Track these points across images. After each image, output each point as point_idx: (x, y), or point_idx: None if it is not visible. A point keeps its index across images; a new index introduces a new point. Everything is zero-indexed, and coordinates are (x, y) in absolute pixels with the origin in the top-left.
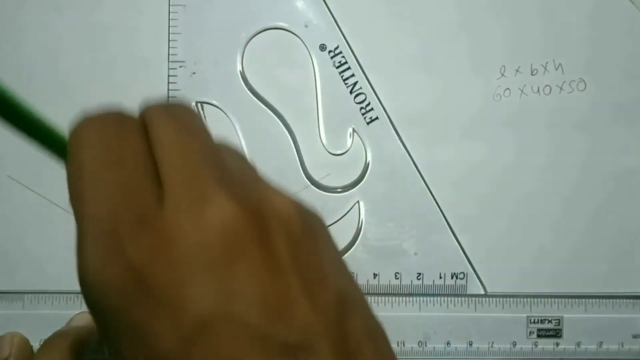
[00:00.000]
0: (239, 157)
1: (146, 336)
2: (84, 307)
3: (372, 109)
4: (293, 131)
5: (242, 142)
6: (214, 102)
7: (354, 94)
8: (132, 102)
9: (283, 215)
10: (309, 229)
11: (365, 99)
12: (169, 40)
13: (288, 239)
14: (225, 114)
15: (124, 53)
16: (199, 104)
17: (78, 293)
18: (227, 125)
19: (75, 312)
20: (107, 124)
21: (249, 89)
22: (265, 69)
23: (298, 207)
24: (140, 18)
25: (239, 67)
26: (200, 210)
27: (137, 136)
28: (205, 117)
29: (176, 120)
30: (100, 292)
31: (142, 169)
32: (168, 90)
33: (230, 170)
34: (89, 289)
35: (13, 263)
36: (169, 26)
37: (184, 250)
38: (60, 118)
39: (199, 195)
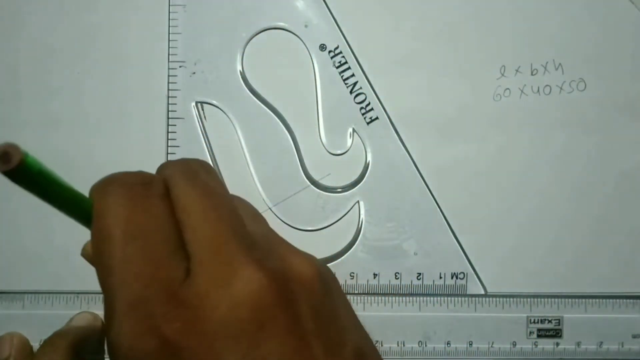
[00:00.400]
0: (252, 212)
1: None
2: (84, 307)
3: (372, 109)
4: (293, 131)
5: (242, 142)
6: (214, 102)
7: (354, 94)
8: (132, 102)
9: (305, 279)
10: (327, 288)
11: (365, 99)
12: (169, 40)
13: (310, 302)
14: (225, 114)
15: (124, 53)
16: (199, 104)
17: (78, 293)
18: (227, 125)
19: (75, 312)
20: (130, 190)
21: (249, 89)
22: (265, 69)
23: (315, 267)
24: (141, 18)
25: (239, 67)
26: (229, 282)
27: (161, 202)
28: (205, 117)
29: (199, 185)
30: None
31: (169, 238)
32: (168, 90)
33: (250, 235)
34: None
35: (13, 263)
36: (169, 26)
37: (215, 324)
38: (59, 118)
39: (227, 267)
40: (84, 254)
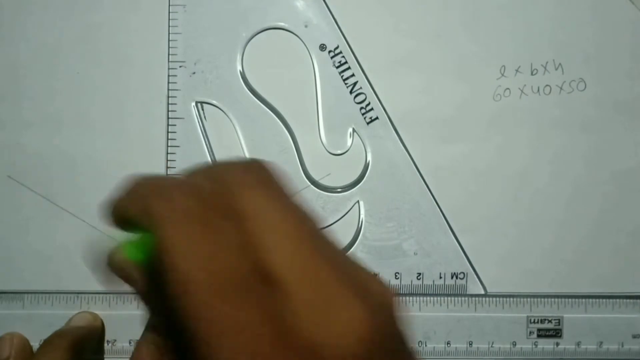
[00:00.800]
0: (314, 220)
1: None
2: (84, 307)
3: (372, 109)
4: (293, 131)
5: (242, 142)
6: (214, 102)
7: (354, 94)
8: (132, 102)
9: (390, 309)
10: (400, 314)
11: (365, 99)
12: (168, 41)
13: (393, 333)
14: (225, 114)
15: (124, 53)
16: (199, 104)
17: (78, 293)
18: (227, 125)
19: (75, 312)
20: (197, 220)
21: (249, 89)
22: (265, 69)
23: (392, 293)
24: (141, 18)
25: (239, 67)
26: (335, 321)
27: (229, 225)
28: (205, 117)
29: (273, 197)
30: None
31: (247, 265)
32: (168, 90)
33: (337, 259)
34: None
35: (13, 263)
36: (169, 26)
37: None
38: (60, 118)
39: (331, 305)
40: (114, 266)
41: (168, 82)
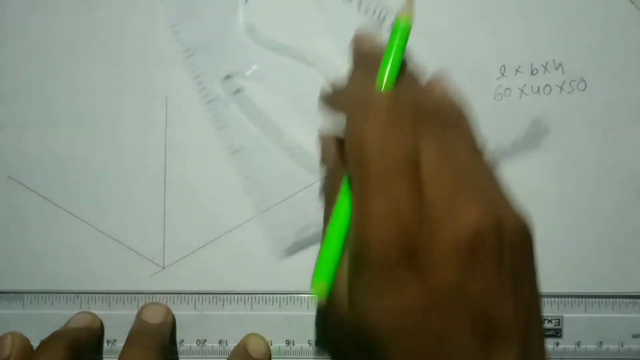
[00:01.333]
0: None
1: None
2: (84, 307)
3: (385, 17)
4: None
5: (281, 102)
6: (240, 72)
7: (362, 8)
8: (131, 103)
9: (513, 230)
10: (528, 243)
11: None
12: (173, 33)
13: (512, 251)
14: (255, 82)
15: (123, 53)
16: (226, 79)
17: (78, 293)
18: (262, 91)
19: (75, 312)
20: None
21: (270, 48)
22: (275, 25)
23: (521, 221)
24: (141, 18)
25: (246, 33)
26: (453, 219)
27: (413, 129)
28: (237, 91)
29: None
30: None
31: (413, 156)
32: (194, 77)
33: (478, 182)
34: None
35: (13, 263)
36: (171, 23)
37: (443, 252)
38: (60, 117)
39: (452, 204)
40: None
41: (191, 70)
